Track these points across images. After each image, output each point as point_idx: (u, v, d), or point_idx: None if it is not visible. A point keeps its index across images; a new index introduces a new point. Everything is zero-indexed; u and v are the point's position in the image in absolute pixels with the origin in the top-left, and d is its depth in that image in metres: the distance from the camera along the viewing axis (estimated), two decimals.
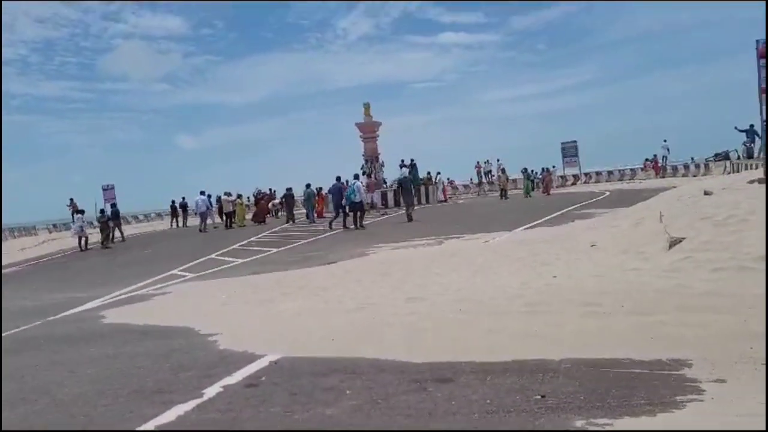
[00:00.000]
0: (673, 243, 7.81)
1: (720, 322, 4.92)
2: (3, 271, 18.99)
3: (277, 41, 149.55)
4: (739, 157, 28.53)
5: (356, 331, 6.21)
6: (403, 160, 33.28)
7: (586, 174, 42.61)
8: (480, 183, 43.55)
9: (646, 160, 40.16)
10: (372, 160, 34.53)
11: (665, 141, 38.95)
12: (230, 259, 15.58)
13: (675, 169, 37.88)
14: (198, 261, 15.61)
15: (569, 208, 20.20)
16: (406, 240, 15.49)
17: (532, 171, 37.36)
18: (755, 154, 23.29)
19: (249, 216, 31.03)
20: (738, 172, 22.88)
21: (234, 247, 18.72)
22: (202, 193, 28.81)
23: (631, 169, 41.26)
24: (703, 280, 6.18)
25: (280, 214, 33.45)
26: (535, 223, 16.51)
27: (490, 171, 43.17)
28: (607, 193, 27.13)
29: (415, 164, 33.15)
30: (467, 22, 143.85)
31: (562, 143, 42.68)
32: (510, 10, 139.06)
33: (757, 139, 23.37)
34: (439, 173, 36.41)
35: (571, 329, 5.30)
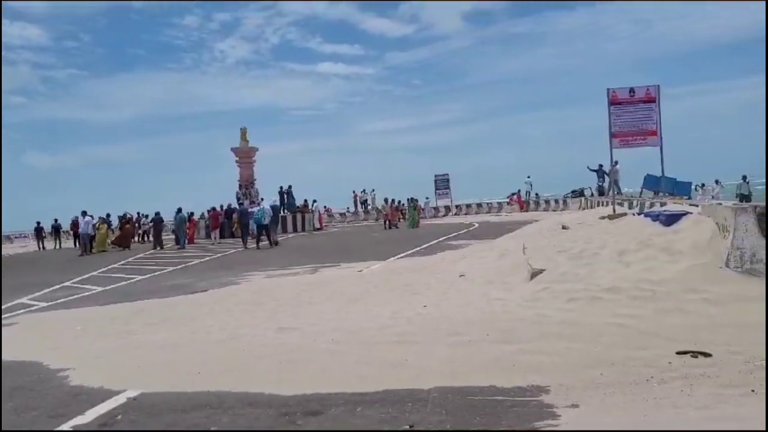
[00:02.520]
0: (534, 274, 8.31)
1: (574, 349, 5.26)
2: None
3: (150, 59, 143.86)
4: (592, 194, 31.12)
5: (224, 364, 5.96)
6: (282, 187, 33.13)
7: (457, 206, 44.51)
8: (356, 212, 44.15)
9: (511, 194, 42.67)
10: (247, 185, 33.95)
11: (528, 177, 41.78)
12: (88, 286, 14.49)
13: (537, 203, 40.57)
14: (51, 289, 14.36)
15: (441, 239, 20.94)
16: (280, 268, 15.26)
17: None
18: (606, 192, 25.48)
19: (110, 240, 29.17)
20: (592, 207, 24.92)
21: (93, 273, 17.47)
22: (84, 214, 27.69)
23: (498, 203, 43.65)
24: (559, 309, 6.60)
25: (147, 238, 31.85)
26: (409, 252, 16.92)
27: (366, 200, 43.91)
28: (476, 225, 28.44)
29: (291, 191, 33.04)
30: (346, 54, 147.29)
31: (435, 176, 44.35)
32: (386, 45, 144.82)
33: (606, 178, 25.67)
34: (315, 201, 36.47)
35: (439, 358, 5.43)
